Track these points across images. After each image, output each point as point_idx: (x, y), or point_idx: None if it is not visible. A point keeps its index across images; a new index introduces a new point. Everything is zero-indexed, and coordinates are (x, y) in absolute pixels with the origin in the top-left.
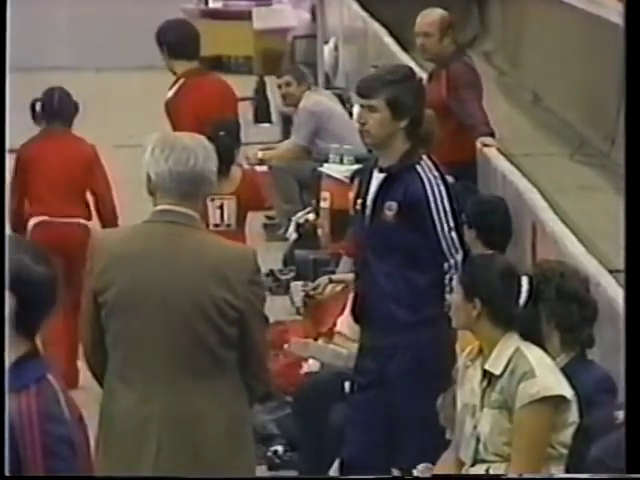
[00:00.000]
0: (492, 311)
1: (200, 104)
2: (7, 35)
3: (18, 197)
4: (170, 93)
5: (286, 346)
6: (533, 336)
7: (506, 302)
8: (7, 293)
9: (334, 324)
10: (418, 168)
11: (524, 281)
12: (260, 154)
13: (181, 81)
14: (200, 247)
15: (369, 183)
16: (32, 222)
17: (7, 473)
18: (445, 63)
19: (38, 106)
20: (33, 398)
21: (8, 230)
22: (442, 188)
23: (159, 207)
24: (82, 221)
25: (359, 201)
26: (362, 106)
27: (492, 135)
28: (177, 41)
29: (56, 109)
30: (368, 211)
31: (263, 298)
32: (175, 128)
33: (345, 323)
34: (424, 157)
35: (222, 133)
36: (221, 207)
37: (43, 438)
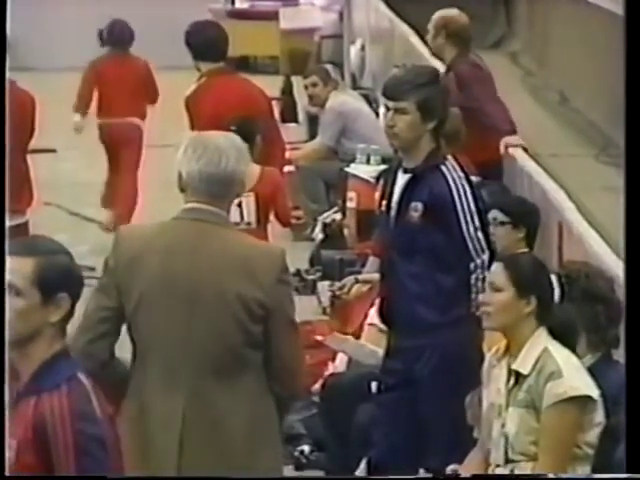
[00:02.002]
0: (543, 308)
1: (217, 103)
2: (7, 35)
3: (85, 103)
4: (189, 90)
5: (323, 338)
6: (566, 334)
7: (552, 300)
8: (64, 295)
9: (361, 323)
10: (443, 168)
11: (554, 279)
12: (287, 154)
13: (203, 79)
14: (227, 244)
15: (394, 184)
16: (98, 122)
17: (7, 473)
18: (449, 65)
19: (104, 33)
20: (65, 397)
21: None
22: (467, 188)
23: (188, 205)
24: (137, 120)
25: (384, 202)
26: (389, 108)
27: (514, 132)
28: (204, 43)
29: (117, 36)
30: (393, 212)
31: (291, 300)
32: (192, 125)
33: (377, 315)
34: (449, 157)
35: (233, 128)
36: (239, 205)
37: (75, 437)
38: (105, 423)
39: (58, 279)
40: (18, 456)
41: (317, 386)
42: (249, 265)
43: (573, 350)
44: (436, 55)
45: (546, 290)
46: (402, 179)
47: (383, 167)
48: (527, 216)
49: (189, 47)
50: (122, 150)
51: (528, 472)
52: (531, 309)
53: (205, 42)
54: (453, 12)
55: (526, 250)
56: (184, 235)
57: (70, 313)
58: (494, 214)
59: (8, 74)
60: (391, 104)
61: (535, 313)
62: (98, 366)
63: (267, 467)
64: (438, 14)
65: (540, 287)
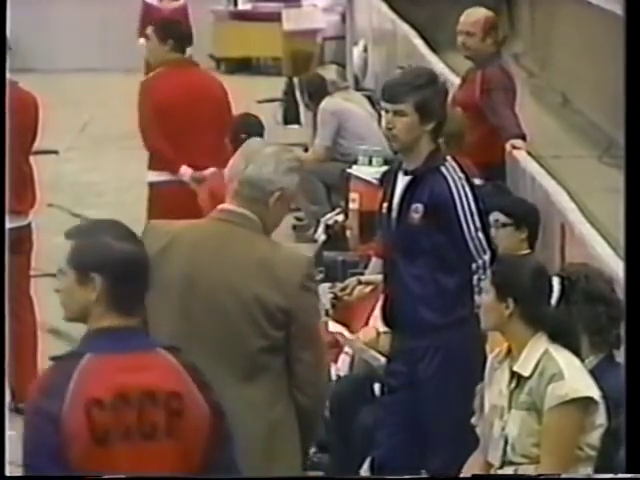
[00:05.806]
0: (524, 311)
1: (174, 90)
2: (7, 36)
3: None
4: (147, 77)
5: (337, 332)
6: (566, 337)
7: (538, 302)
8: (95, 274)
9: (366, 323)
10: (443, 169)
11: (555, 281)
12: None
13: (162, 68)
14: (252, 247)
15: (394, 185)
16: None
17: (7, 473)
18: (482, 64)
19: None
20: (47, 372)
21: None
22: (467, 189)
23: (221, 205)
24: None
25: (385, 204)
26: (387, 111)
27: (523, 137)
28: (181, 36)
29: None
30: (394, 214)
31: (316, 308)
32: (142, 109)
33: (379, 319)
34: (449, 158)
35: (244, 136)
36: None
37: (28, 407)
38: (73, 405)
39: (89, 259)
40: None
41: None
42: (272, 270)
43: (576, 352)
44: (470, 57)
45: (528, 294)
46: (402, 181)
47: (385, 168)
48: (528, 217)
49: (165, 39)
50: None
51: (531, 474)
52: (509, 312)
53: (177, 35)
54: (490, 13)
55: (528, 251)
56: (210, 234)
57: (111, 292)
58: (495, 216)
59: (9, 75)
60: (389, 106)
61: (520, 315)
62: None
63: (284, 472)
64: (482, 14)
65: (519, 291)
